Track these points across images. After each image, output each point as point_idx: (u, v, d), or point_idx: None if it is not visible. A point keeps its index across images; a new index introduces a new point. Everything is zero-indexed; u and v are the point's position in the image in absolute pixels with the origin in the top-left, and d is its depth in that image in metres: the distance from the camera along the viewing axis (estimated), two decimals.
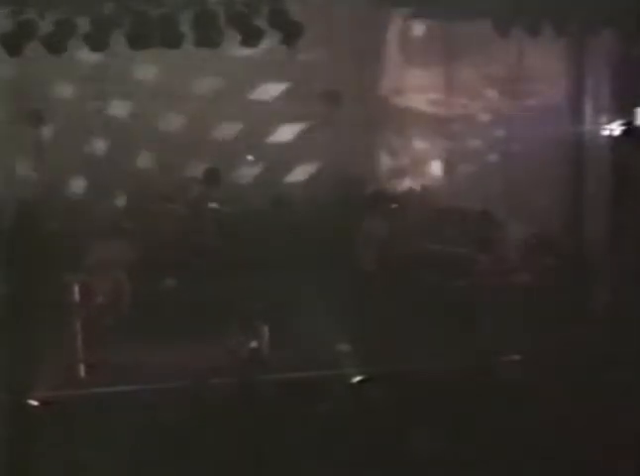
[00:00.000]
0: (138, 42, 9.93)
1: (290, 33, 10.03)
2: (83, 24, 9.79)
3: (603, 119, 11.46)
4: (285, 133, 13.14)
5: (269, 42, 10.23)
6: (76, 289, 10.13)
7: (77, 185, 12.12)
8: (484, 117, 12.62)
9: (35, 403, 8.85)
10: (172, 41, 9.93)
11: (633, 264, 10.78)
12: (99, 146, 12.28)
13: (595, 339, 9.88)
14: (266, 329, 10.19)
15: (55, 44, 9.84)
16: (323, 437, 8.19)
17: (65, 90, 12.29)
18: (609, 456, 7.93)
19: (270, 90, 12.97)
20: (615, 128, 11.23)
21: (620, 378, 8.77)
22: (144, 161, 12.72)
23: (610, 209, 11.45)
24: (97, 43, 9.91)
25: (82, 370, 9.84)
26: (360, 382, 9.09)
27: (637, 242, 10.98)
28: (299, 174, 13.21)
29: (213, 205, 12.06)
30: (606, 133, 11.39)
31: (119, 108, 12.35)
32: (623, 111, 11.18)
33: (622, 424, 8.20)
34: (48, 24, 9.76)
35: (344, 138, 12.46)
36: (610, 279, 11.10)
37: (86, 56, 10.82)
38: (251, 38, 10.04)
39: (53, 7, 9.73)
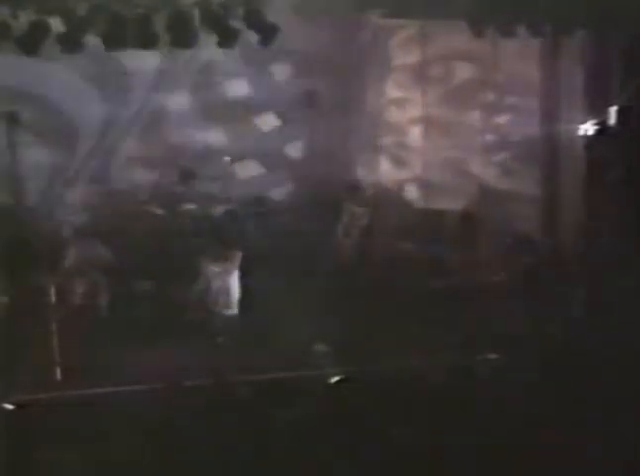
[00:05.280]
0: (113, 42, 9.90)
1: (266, 33, 10.04)
2: (57, 24, 9.75)
3: (578, 118, 11.52)
4: (262, 132, 13.15)
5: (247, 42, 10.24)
6: (53, 291, 10.07)
7: (54, 188, 12.04)
8: (461, 118, 12.66)
9: (10, 406, 8.80)
10: (147, 41, 9.91)
11: (608, 262, 10.86)
12: (75, 148, 12.22)
13: (572, 337, 9.96)
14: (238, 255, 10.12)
15: (29, 44, 9.79)
16: (302, 438, 8.19)
17: (40, 91, 12.22)
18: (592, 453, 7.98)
19: (249, 90, 12.96)
20: (589, 127, 11.30)
21: (601, 374, 8.83)
22: (121, 162, 12.68)
23: (585, 208, 11.53)
24: (71, 43, 9.87)
25: (59, 372, 9.78)
26: (338, 382, 9.10)
27: (612, 240, 11.08)
28: (278, 173, 13.21)
29: (189, 206, 12.07)
30: (581, 132, 11.46)
31: (95, 109, 12.31)
32: (597, 110, 11.26)
33: (604, 422, 8.25)
34: (21, 24, 9.70)
35: (322, 138, 12.49)
36: (586, 277, 11.18)
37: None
38: (226, 39, 10.04)
39: (27, 7, 9.67)
